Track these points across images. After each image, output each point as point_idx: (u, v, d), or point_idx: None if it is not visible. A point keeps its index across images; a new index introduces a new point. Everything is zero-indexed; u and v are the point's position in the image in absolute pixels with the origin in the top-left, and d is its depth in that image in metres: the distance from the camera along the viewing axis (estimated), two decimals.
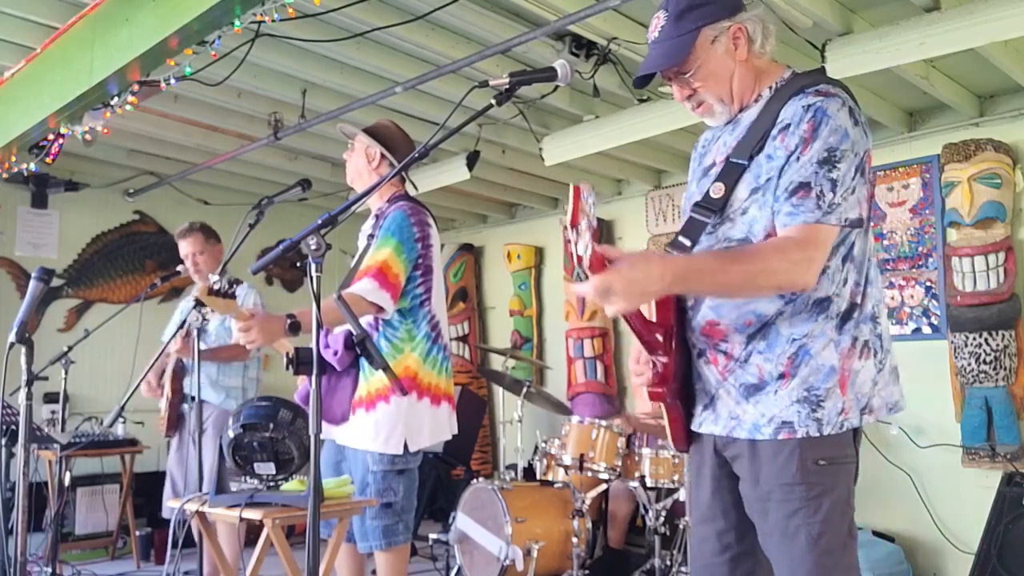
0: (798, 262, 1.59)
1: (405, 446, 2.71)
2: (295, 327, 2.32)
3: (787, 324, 1.68)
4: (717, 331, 1.73)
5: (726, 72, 1.75)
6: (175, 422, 3.90)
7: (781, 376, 1.67)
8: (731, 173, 1.72)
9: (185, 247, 3.98)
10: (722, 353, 1.74)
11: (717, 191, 1.72)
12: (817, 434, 1.65)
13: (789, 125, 1.67)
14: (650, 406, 4.53)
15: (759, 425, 1.69)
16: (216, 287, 2.07)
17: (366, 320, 2.74)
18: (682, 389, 1.79)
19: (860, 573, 1.71)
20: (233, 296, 2.12)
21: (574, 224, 1.44)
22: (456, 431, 2.90)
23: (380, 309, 2.67)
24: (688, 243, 1.71)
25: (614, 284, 1.48)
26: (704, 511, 1.85)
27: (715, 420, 1.76)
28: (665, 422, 1.83)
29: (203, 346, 3.37)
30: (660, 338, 1.72)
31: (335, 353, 2.59)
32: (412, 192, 3.15)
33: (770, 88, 1.77)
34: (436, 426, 2.80)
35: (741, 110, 1.80)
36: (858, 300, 1.70)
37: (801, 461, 1.65)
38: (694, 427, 1.81)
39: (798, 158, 1.64)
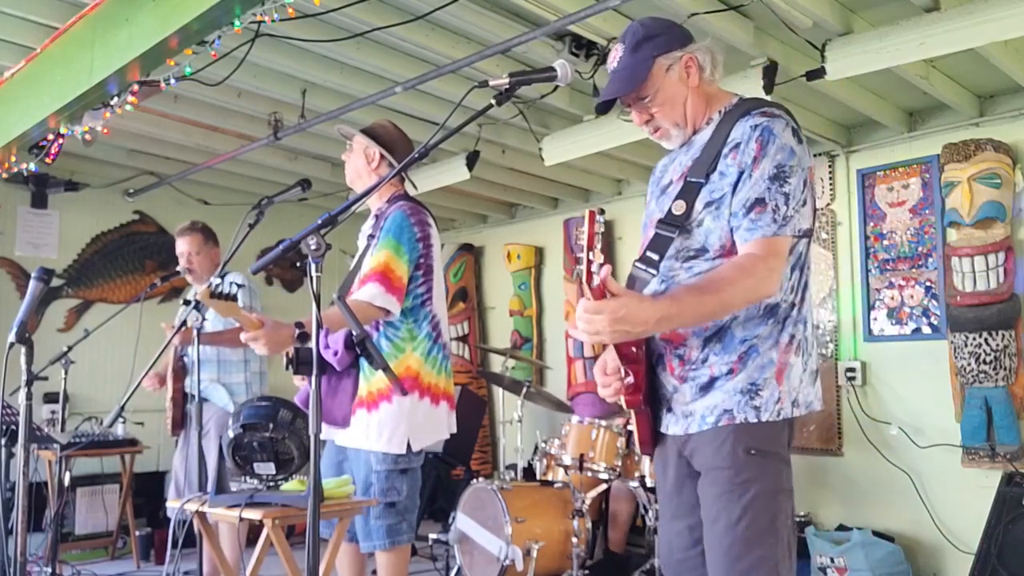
0: (763, 276, 1.72)
1: (408, 445, 2.72)
2: (303, 338, 2.32)
3: (741, 328, 1.81)
4: (676, 336, 1.85)
5: (680, 97, 1.91)
6: (180, 421, 3.90)
7: (730, 372, 1.80)
8: (690, 191, 1.85)
9: (182, 245, 3.97)
10: (678, 357, 1.85)
11: (679, 208, 1.84)
12: (756, 420, 1.77)
13: (739, 144, 1.80)
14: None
15: (705, 416, 1.82)
16: (218, 289, 2.07)
17: None
18: (650, 395, 1.90)
19: (780, 570, 1.75)
20: (235, 298, 2.12)
21: (591, 247, 1.57)
22: (455, 430, 2.91)
23: (388, 312, 2.68)
24: (656, 257, 1.81)
25: (610, 312, 1.56)
26: (673, 508, 1.95)
27: (675, 421, 1.88)
28: (634, 427, 1.95)
29: (201, 347, 3.35)
30: (634, 349, 1.83)
31: (335, 353, 2.59)
32: (412, 192, 3.15)
33: (720, 112, 1.91)
34: (436, 425, 2.81)
35: (694, 133, 1.94)
36: (796, 300, 1.85)
37: (733, 447, 1.77)
38: (661, 430, 1.93)
39: (751, 175, 1.77)
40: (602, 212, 1.64)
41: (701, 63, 1.90)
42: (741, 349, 1.80)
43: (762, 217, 1.74)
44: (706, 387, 1.82)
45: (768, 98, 1.98)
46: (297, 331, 2.31)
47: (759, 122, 1.80)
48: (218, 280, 2.07)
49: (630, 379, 1.83)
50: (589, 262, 1.57)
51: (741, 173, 1.78)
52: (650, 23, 1.94)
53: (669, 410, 1.89)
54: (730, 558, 1.72)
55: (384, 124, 3.02)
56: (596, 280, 1.55)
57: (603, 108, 1.96)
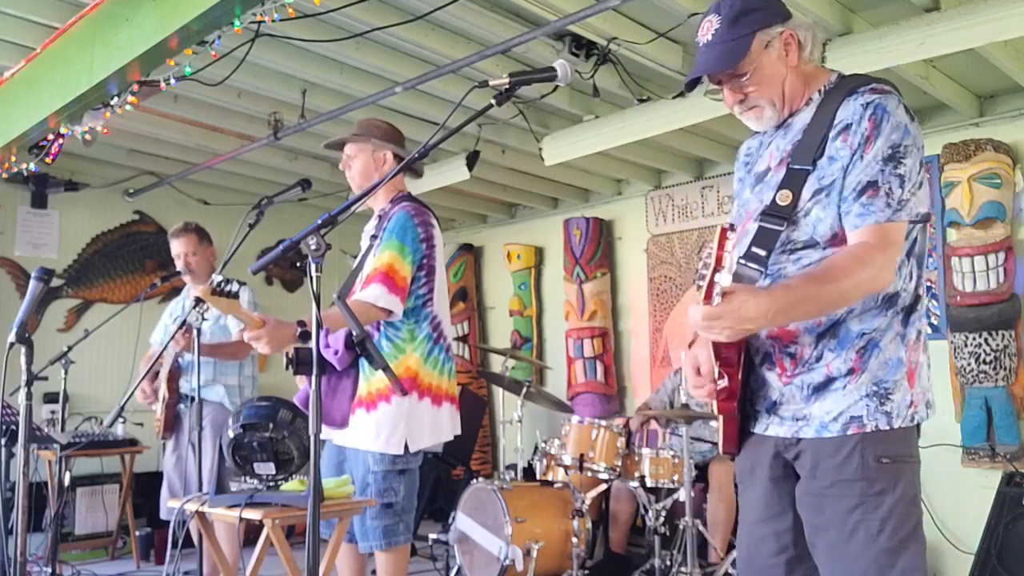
0: (881, 267, 1.60)
1: (406, 446, 2.72)
2: (305, 336, 2.31)
3: (856, 321, 1.68)
4: (786, 332, 1.72)
5: (778, 77, 1.77)
6: (171, 424, 3.89)
7: (850, 372, 1.67)
8: (796, 179, 1.71)
9: (178, 247, 3.97)
10: (789, 356, 1.73)
11: (784, 198, 1.71)
12: (887, 427, 1.65)
13: (850, 124, 1.67)
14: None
15: (826, 423, 1.68)
16: (220, 287, 2.07)
17: None
18: (742, 395, 1.79)
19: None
20: (236, 296, 2.12)
21: (718, 267, 1.47)
22: (459, 432, 2.89)
23: (390, 313, 2.68)
24: (763, 253, 1.68)
25: (726, 316, 1.50)
26: (761, 512, 1.82)
27: (780, 423, 1.75)
28: (720, 427, 1.82)
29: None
30: (734, 353, 1.71)
31: (335, 353, 2.59)
32: (412, 190, 3.15)
33: (819, 91, 1.78)
34: (437, 427, 2.79)
35: (791, 115, 1.80)
36: (921, 293, 1.73)
37: (863, 457, 1.64)
38: (758, 430, 1.80)
39: (862, 156, 1.64)
40: (732, 228, 1.51)
41: (801, 40, 1.77)
42: (859, 344, 1.67)
43: (874, 202, 1.62)
44: (822, 388, 1.69)
45: (868, 74, 1.84)
46: (299, 329, 2.31)
47: (871, 99, 1.67)
48: (219, 277, 2.06)
49: (724, 382, 1.72)
50: (712, 283, 1.47)
51: (853, 155, 1.65)
52: None
53: (772, 411, 1.76)
54: (875, 572, 1.61)
55: (378, 123, 2.99)
56: (716, 300, 1.47)
57: (692, 85, 1.82)
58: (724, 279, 1.47)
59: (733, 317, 1.50)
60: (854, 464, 1.64)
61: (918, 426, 1.70)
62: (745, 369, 1.76)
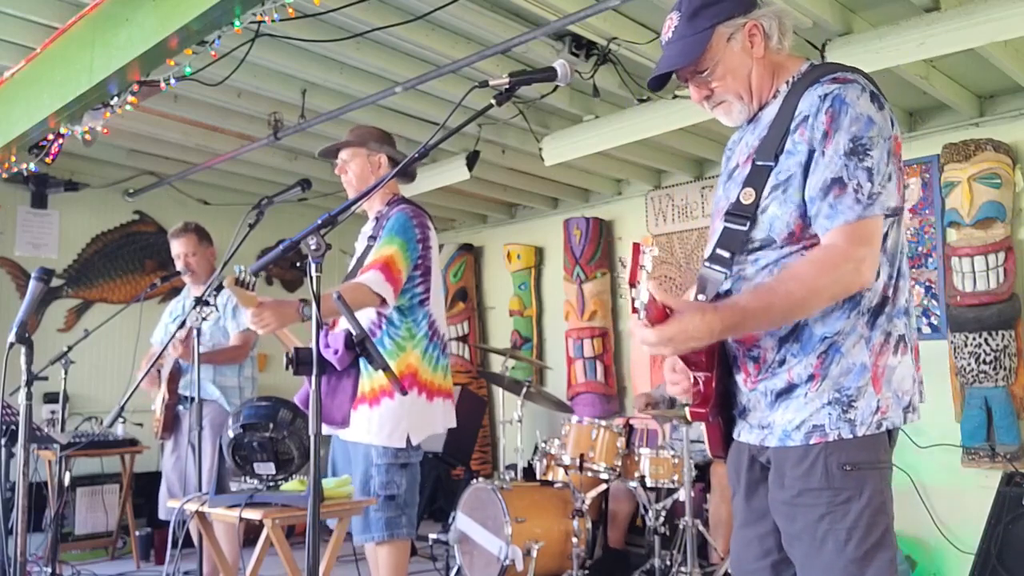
0: (849, 270, 1.53)
1: (408, 440, 2.78)
2: (309, 312, 2.34)
3: (820, 324, 1.62)
4: (748, 336, 1.68)
5: (744, 70, 1.72)
6: (170, 424, 3.89)
7: (811, 378, 1.62)
8: (759, 176, 1.67)
9: (178, 247, 3.98)
10: (752, 360, 1.69)
11: (747, 197, 1.66)
12: (851, 435, 1.60)
13: (807, 117, 1.62)
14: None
15: (788, 432, 1.64)
16: (243, 278, 2.10)
17: (370, 319, 2.81)
18: (723, 402, 1.76)
19: None
20: (253, 288, 2.16)
21: (633, 283, 1.45)
22: (453, 424, 2.98)
23: (383, 301, 2.72)
24: (727, 255, 1.66)
25: (675, 336, 1.49)
26: (745, 515, 1.80)
27: (749, 430, 1.72)
28: (704, 432, 1.81)
29: (200, 348, 3.35)
30: (703, 357, 1.68)
31: (335, 352, 2.60)
32: (409, 191, 3.19)
33: (787, 83, 1.73)
34: (430, 421, 2.87)
35: (761, 108, 1.76)
36: (890, 293, 1.64)
37: (826, 466, 1.60)
38: (735, 435, 1.77)
39: (823, 153, 1.58)
40: (653, 243, 1.48)
41: (767, 30, 1.72)
42: (821, 348, 1.61)
43: (842, 200, 1.54)
44: (784, 394, 1.64)
45: (842, 62, 1.77)
46: (302, 306, 2.34)
47: (829, 90, 1.60)
48: (240, 267, 2.10)
49: (699, 387, 1.69)
50: (633, 299, 1.46)
51: (811, 152, 1.59)
52: None
53: (743, 417, 1.73)
54: None
55: (370, 129, 3.08)
56: (641, 315, 1.46)
57: (656, 84, 1.77)
58: (641, 295, 1.44)
59: (680, 337, 1.49)
60: (818, 473, 1.60)
61: (891, 432, 1.66)
62: (723, 373, 1.73)
